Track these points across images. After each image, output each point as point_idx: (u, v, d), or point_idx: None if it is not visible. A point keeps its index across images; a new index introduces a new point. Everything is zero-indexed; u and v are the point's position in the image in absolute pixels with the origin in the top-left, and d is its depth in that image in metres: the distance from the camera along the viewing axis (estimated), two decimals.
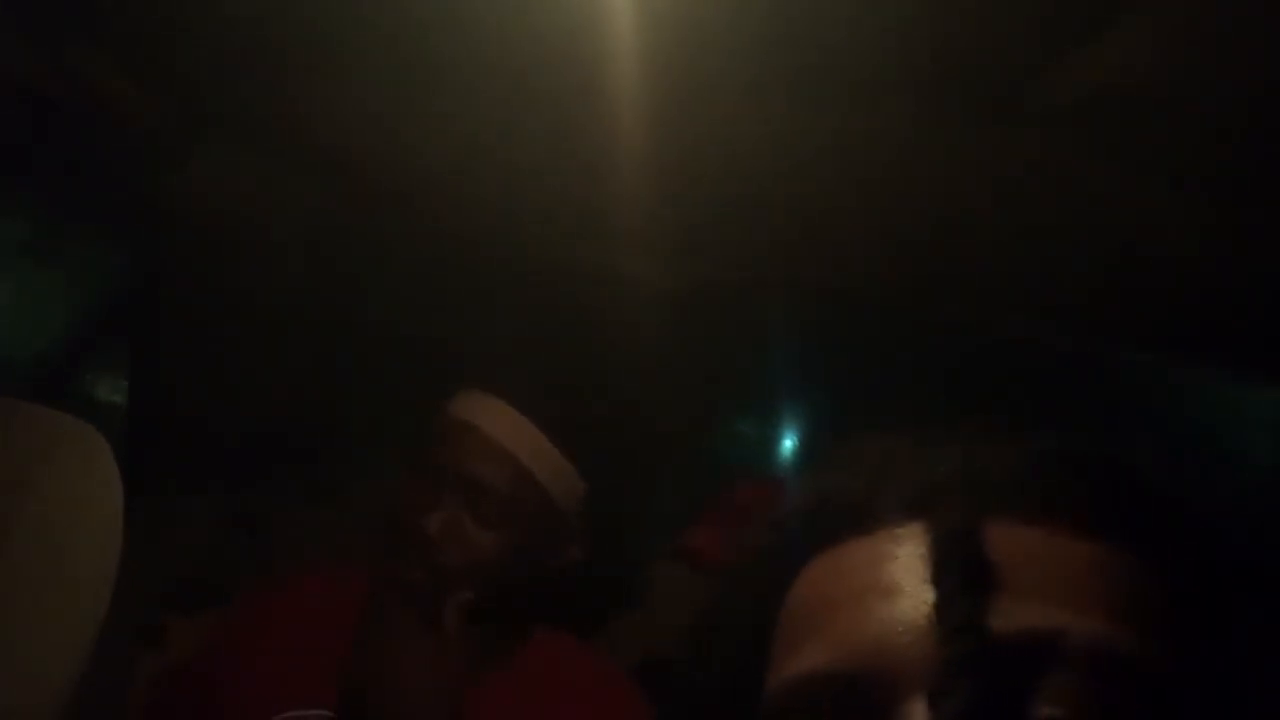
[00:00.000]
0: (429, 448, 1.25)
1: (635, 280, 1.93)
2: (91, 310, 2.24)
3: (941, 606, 0.42)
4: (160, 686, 1.50)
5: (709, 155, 1.57)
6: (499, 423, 1.24)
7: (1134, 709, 0.40)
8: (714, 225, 1.75)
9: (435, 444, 1.25)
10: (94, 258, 2.27)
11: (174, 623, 1.70)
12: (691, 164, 1.57)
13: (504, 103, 1.53)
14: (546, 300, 1.90)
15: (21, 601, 0.82)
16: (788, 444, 3.29)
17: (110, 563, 0.87)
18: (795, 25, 1.30)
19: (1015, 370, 2.25)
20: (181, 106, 1.78)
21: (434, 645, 1.12)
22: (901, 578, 0.44)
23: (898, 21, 1.27)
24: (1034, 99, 1.40)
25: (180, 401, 1.99)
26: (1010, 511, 0.45)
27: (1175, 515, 0.47)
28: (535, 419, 1.25)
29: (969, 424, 0.51)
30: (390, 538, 1.23)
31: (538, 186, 1.71)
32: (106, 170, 1.94)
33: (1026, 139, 1.47)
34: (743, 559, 0.54)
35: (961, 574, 0.42)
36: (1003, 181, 1.57)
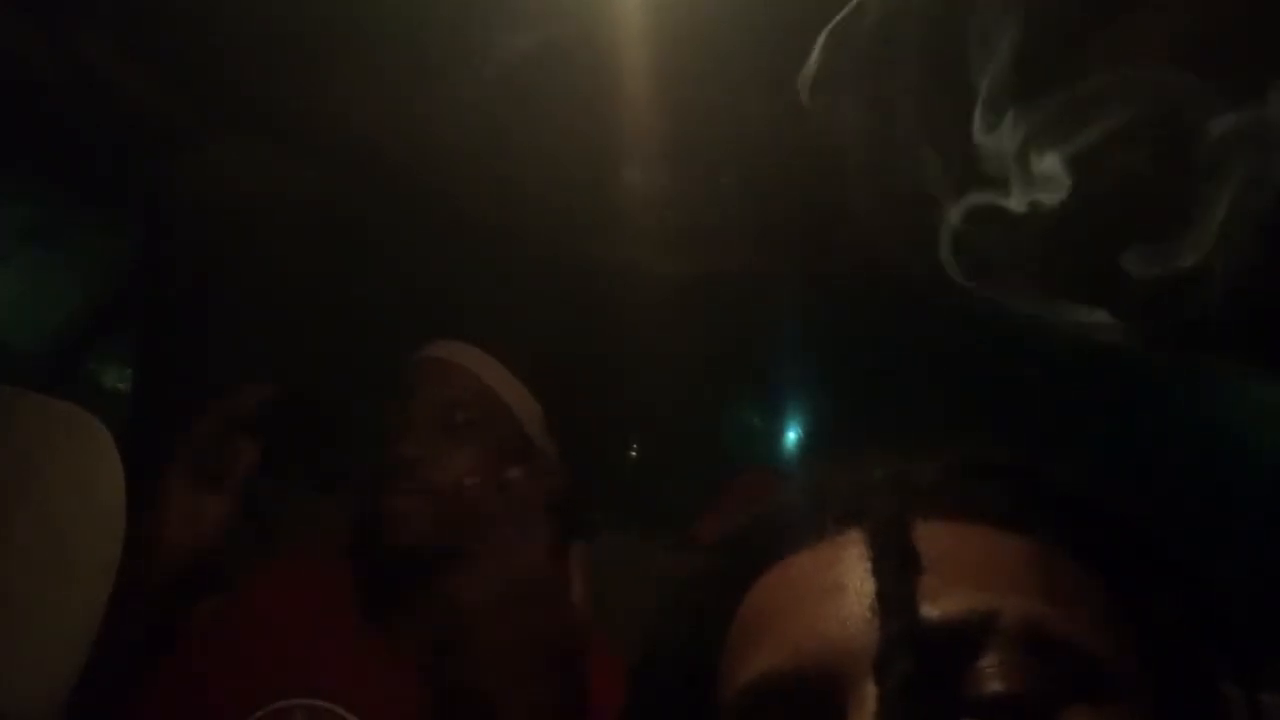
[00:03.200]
0: (401, 386, 1.31)
1: (641, 268, 1.93)
2: (97, 298, 2.24)
3: (881, 596, 0.44)
4: (161, 671, 1.50)
5: (718, 145, 1.56)
6: (464, 354, 1.30)
7: (1069, 688, 0.42)
8: (722, 215, 1.74)
9: (405, 381, 1.31)
10: (100, 245, 2.27)
11: (177, 611, 1.70)
12: (700, 153, 1.57)
13: (515, 92, 1.53)
14: (549, 284, 1.90)
15: (24, 589, 0.82)
16: (793, 435, 3.30)
17: (113, 550, 0.87)
18: (806, 16, 1.30)
19: (1024, 363, 2.25)
20: (191, 94, 1.77)
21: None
22: (845, 578, 0.47)
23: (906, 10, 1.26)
24: (1050, 89, 1.39)
25: (186, 389, 1.99)
26: (935, 512, 0.48)
27: (1090, 511, 0.50)
28: (503, 363, 1.30)
29: (892, 442, 0.55)
30: (375, 472, 1.26)
31: (548, 175, 1.70)
32: (113, 157, 1.94)
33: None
34: (690, 579, 0.57)
35: (896, 566, 0.45)
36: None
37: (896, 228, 1.74)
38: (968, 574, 0.45)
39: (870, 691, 0.42)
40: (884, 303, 2.08)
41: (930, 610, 0.44)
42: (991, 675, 0.42)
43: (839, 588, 0.46)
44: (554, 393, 1.33)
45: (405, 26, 1.45)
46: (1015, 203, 0.82)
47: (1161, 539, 0.50)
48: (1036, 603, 0.44)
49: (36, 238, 2.15)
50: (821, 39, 1.05)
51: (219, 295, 1.97)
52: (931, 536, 0.47)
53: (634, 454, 2.92)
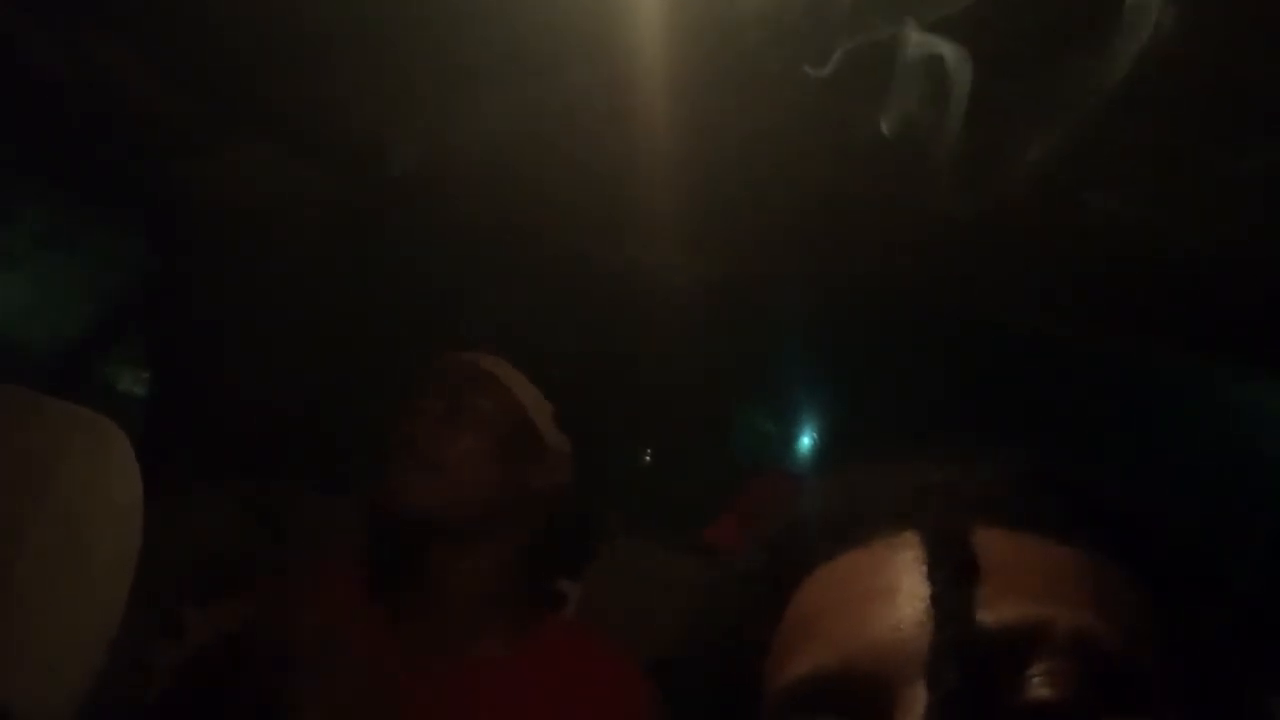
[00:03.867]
0: (411, 381, 1.36)
1: (656, 271, 1.93)
2: (112, 301, 2.25)
3: (935, 601, 0.44)
4: (178, 676, 1.51)
5: (736, 148, 1.56)
6: (475, 354, 1.34)
7: (1114, 700, 0.42)
8: (738, 218, 1.74)
9: (416, 376, 1.36)
10: (115, 249, 2.28)
11: (193, 613, 1.70)
12: (717, 157, 1.56)
13: (531, 97, 1.53)
14: (565, 286, 1.90)
15: (41, 592, 0.82)
16: (806, 440, 3.29)
17: (128, 553, 0.87)
18: (827, 21, 1.30)
19: (1035, 367, 2.24)
20: (204, 99, 1.78)
21: None
22: (897, 580, 0.47)
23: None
24: (1058, 90, 1.39)
25: (200, 392, 2.00)
26: (991, 520, 0.48)
27: (1143, 525, 0.50)
28: (516, 364, 1.34)
29: (944, 445, 0.54)
30: (383, 455, 1.30)
31: (564, 179, 1.71)
32: (128, 162, 1.94)
33: (1054, 131, 1.46)
34: (733, 575, 0.56)
35: (952, 572, 0.45)
36: (1030, 175, 1.55)
37: (911, 233, 1.74)
38: (1022, 583, 0.45)
39: (919, 695, 0.42)
40: (898, 307, 2.08)
41: (985, 618, 0.43)
42: (1040, 684, 0.42)
43: (891, 590, 0.46)
44: (565, 391, 1.35)
45: (423, 31, 1.45)
46: None
47: (1209, 553, 0.50)
48: (1087, 615, 0.44)
49: (51, 242, 2.16)
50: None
51: (233, 298, 1.97)
52: (987, 544, 0.47)
53: (647, 458, 2.92)
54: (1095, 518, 0.49)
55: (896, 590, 0.46)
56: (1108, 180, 1.53)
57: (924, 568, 0.46)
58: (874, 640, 0.45)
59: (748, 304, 2.15)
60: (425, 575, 1.27)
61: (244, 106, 1.80)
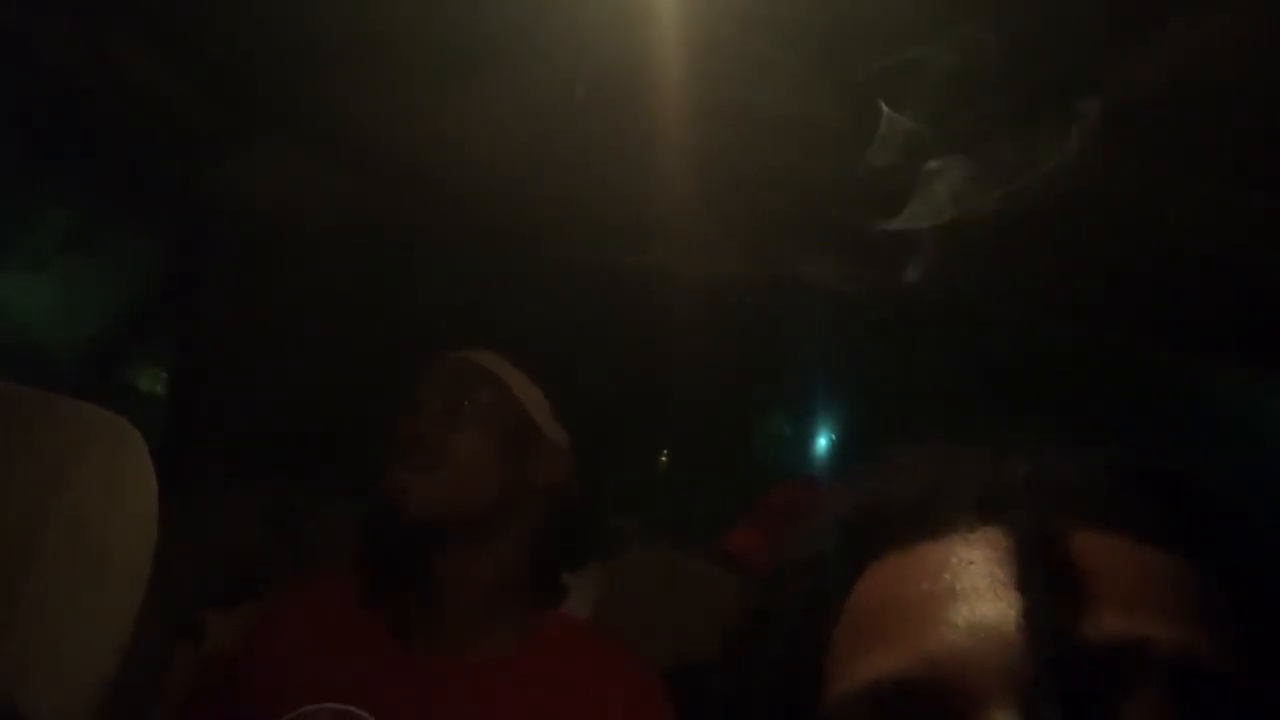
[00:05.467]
0: (414, 378, 1.35)
1: (675, 273, 1.92)
2: (134, 303, 2.26)
3: (1028, 611, 0.40)
4: (199, 678, 1.51)
5: (752, 150, 1.55)
6: (474, 352, 1.34)
7: None
8: (757, 221, 1.73)
9: (418, 374, 1.35)
10: (136, 251, 2.29)
11: (213, 616, 1.70)
12: (735, 159, 1.56)
13: (549, 101, 1.53)
14: (581, 289, 1.89)
15: (56, 594, 0.82)
16: (824, 445, 3.28)
17: (145, 557, 0.87)
18: (840, 22, 1.29)
19: (1055, 370, 2.22)
20: (226, 101, 1.78)
21: None
22: (981, 582, 0.42)
23: (949, 18, 1.25)
24: (1086, 97, 1.37)
25: (221, 396, 2.00)
26: (1083, 519, 0.44)
27: (1249, 531, 0.46)
28: (515, 362, 1.34)
29: (1029, 431, 0.50)
30: (383, 455, 1.30)
31: (580, 181, 1.70)
32: (149, 164, 1.95)
33: (1076, 136, 1.45)
34: (790, 562, 0.52)
35: (1047, 578, 0.41)
36: (1051, 180, 1.54)
37: (930, 237, 1.73)
38: (1120, 593, 0.41)
39: (1004, 717, 0.38)
40: (918, 311, 2.06)
41: (1084, 632, 0.39)
42: (1140, 712, 0.38)
43: (974, 592, 0.42)
44: (564, 388, 1.34)
45: (441, 35, 1.45)
46: None
47: None
48: (1189, 630, 0.40)
49: (73, 244, 2.17)
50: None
51: (254, 300, 1.98)
52: (1080, 546, 0.42)
53: (664, 460, 2.91)
54: (1192, 519, 0.45)
55: (979, 593, 0.42)
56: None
57: (1013, 570, 0.42)
58: (957, 649, 0.41)
59: (764, 307, 2.14)
60: (426, 577, 1.26)
61: (265, 110, 1.81)
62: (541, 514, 1.30)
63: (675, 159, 1.54)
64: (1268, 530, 0.46)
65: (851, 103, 1.45)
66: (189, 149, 1.83)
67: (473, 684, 1.22)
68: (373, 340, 2.01)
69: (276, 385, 1.99)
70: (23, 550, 0.79)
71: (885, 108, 1.44)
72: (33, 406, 0.85)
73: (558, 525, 1.32)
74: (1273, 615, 0.43)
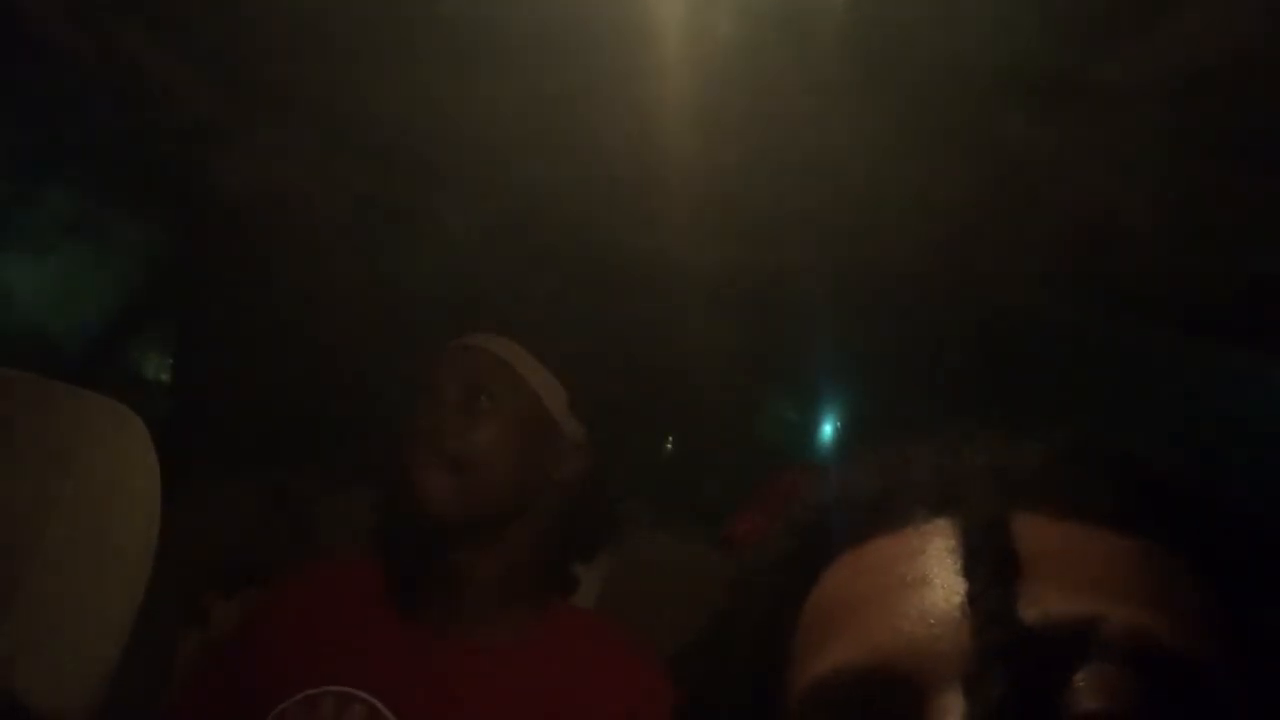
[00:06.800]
0: (428, 370, 1.34)
1: (681, 259, 1.92)
2: (137, 290, 2.26)
3: (974, 597, 0.41)
4: (200, 663, 1.52)
5: (760, 136, 1.54)
6: (489, 340, 1.32)
7: (1174, 705, 0.38)
8: (763, 206, 1.73)
9: (433, 366, 1.34)
10: (140, 238, 2.29)
11: (216, 602, 1.71)
12: (743, 145, 1.55)
13: (554, 87, 1.52)
14: (589, 274, 1.89)
15: (60, 581, 0.82)
16: (829, 430, 3.27)
17: (148, 544, 0.87)
18: (844, 19, 1.29)
19: (1050, 354, 2.22)
20: (229, 87, 1.78)
21: None
22: (931, 571, 0.43)
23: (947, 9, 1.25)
24: (1086, 84, 1.37)
25: (225, 382, 2.00)
26: (1037, 506, 0.44)
27: (1207, 510, 0.46)
28: (531, 350, 1.32)
29: (986, 424, 0.50)
30: (399, 446, 1.29)
31: (588, 166, 1.70)
32: (153, 150, 1.95)
33: (1075, 124, 1.44)
34: (753, 566, 0.53)
35: (992, 564, 0.42)
36: (1050, 167, 1.54)
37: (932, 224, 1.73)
38: (1070, 576, 0.41)
39: (954, 704, 0.39)
40: (923, 297, 2.06)
41: (1029, 616, 0.40)
42: (1091, 692, 0.38)
43: (924, 581, 0.43)
44: (580, 377, 1.33)
45: (447, 21, 1.45)
46: None
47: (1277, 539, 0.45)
48: (1144, 611, 0.40)
49: (76, 230, 2.17)
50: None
51: (257, 287, 1.98)
52: (1031, 533, 0.43)
53: (669, 446, 2.91)
54: (1152, 501, 0.45)
55: (930, 582, 0.42)
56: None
57: (961, 559, 0.42)
58: (907, 638, 0.41)
59: (770, 292, 2.14)
60: (441, 567, 1.27)
61: (268, 96, 1.80)
62: (557, 508, 1.30)
63: (683, 141, 1.53)
64: (1235, 513, 0.46)
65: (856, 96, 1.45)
66: (193, 134, 1.83)
67: (482, 668, 1.22)
68: (378, 326, 2.01)
69: (280, 371, 2.00)
70: (25, 537, 0.80)
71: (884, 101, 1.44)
72: (36, 394, 0.85)
73: (572, 518, 1.32)
74: (1239, 596, 0.43)
